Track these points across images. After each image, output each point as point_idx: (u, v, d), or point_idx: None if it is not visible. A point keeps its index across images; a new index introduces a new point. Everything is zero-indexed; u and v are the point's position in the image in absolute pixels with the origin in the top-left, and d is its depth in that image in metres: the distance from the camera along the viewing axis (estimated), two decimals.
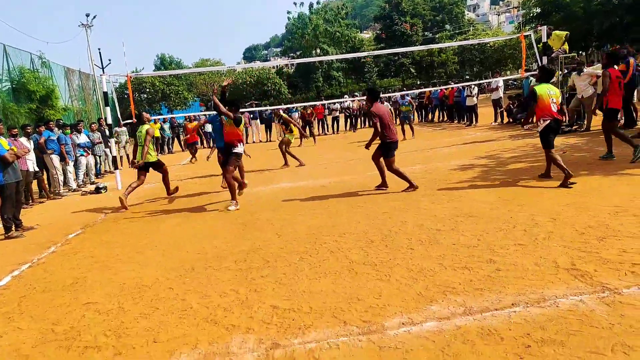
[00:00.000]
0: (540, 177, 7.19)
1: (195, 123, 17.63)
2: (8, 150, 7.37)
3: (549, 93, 6.87)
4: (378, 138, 7.46)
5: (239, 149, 7.87)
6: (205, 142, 21.94)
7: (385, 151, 7.49)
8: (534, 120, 7.13)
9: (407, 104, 17.06)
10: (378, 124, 7.28)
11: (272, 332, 3.23)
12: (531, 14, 30.73)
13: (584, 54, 32.96)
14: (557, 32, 12.44)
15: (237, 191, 7.76)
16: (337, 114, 23.70)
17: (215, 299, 3.94)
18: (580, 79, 11.97)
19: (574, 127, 12.66)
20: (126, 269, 5.11)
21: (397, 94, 21.06)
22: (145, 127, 8.95)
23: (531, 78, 15.03)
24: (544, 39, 12.49)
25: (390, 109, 7.66)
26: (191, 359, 3.01)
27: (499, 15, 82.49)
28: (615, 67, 8.30)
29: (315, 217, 6.44)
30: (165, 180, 9.35)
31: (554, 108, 6.82)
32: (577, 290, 3.31)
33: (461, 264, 4.05)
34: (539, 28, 13.38)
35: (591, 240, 4.26)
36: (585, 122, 12.40)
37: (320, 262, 4.55)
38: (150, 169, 9.15)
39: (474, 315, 3.12)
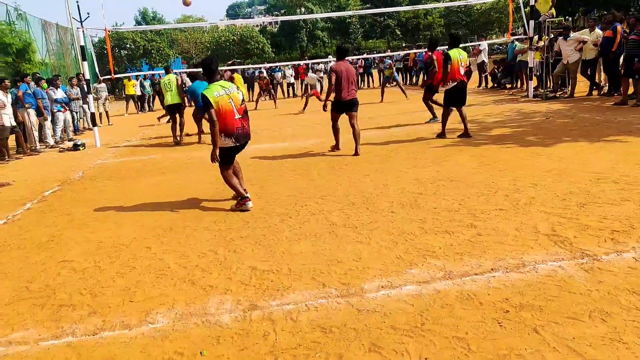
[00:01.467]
0: (437, 137, 8.35)
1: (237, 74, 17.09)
2: None
3: (459, 57, 7.92)
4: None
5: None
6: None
7: (332, 107, 7.74)
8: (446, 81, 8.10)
9: (387, 67, 16.93)
10: (333, 79, 7.41)
11: (250, 294, 3.19)
12: None
13: (570, 19, 32.74)
14: None
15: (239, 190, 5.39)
16: (322, 74, 23.36)
17: (193, 259, 3.89)
18: (567, 44, 11.89)
19: (558, 93, 12.66)
20: (103, 227, 5.00)
21: (376, 57, 20.81)
22: (173, 76, 10.68)
23: (516, 42, 14.89)
24: (532, 2, 12.29)
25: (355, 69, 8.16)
26: (167, 319, 2.97)
27: None
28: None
29: (296, 178, 6.37)
30: (181, 123, 10.77)
31: (462, 71, 7.98)
32: (556, 256, 3.33)
33: (442, 228, 4.04)
34: None
35: (572, 207, 4.28)
36: (569, 88, 12.41)
37: (300, 224, 4.51)
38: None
39: (453, 279, 3.12)
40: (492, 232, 3.86)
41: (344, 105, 7.54)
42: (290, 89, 23.58)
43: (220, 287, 3.35)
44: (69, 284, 3.64)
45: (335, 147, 8.02)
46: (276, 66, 22.17)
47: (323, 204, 5.06)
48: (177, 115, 10.65)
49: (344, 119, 7.65)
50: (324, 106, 8.03)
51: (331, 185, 5.85)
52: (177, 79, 10.63)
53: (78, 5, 24.34)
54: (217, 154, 4.98)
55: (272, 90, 18.25)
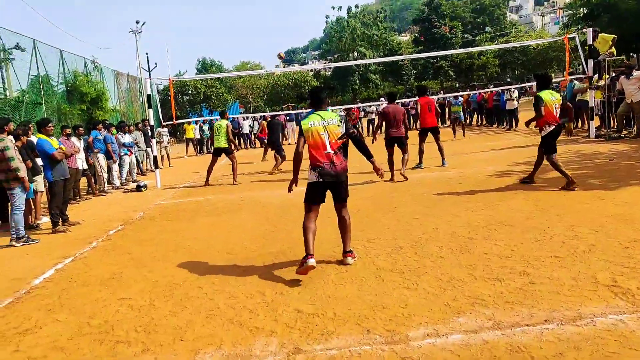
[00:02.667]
0: (522, 182, 7.70)
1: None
2: (57, 149, 7.71)
3: (552, 99, 7.34)
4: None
5: None
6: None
7: (385, 143, 9.29)
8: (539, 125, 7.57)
9: (459, 104, 17.09)
10: (382, 121, 9.45)
11: (295, 337, 3.22)
12: (577, 15, 29.60)
13: (635, 56, 31.54)
14: (604, 34, 11.95)
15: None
16: (373, 116, 23.61)
17: (241, 300, 3.98)
18: (630, 83, 11.46)
19: (622, 134, 12.13)
20: (160, 266, 5.23)
21: (450, 95, 20.81)
22: (225, 122, 11.33)
23: (575, 82, 14.50)
24: (590, 42, 12.03)
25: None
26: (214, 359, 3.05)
27: (543, 16, 79.87)
28: None
29: None
30: (233, 168, 11.30)
31: (557, 114, 7.39)
32: (617, 309, 3.15)
33: (492, 275, 3.93)
34: (584, 30, 12.87)
35: (636, 255, 4.04)
36: (635, 128, 11.86)
37: (346, 267, 4.52)
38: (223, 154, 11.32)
39: (503, 330, 3.02)
40: (546, 281, 3.71)
41: (393, 141, 9.18)
42: (370, 125, 23.82)
43: (266, 329, 3.40)
44: (126, 321, 3.82)
45: (391, 179, 9.11)
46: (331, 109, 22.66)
47: (370, 248, 5.06)
48: (223, 156, 11.47)
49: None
50: (373, 139, 10.00)
51: (379, 227, 5.84)
52: (227, 125, 11.24)
53: (147, 57, 26.20)
54: (291, 185, 4.84)
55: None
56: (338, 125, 4.56)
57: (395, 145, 9.32)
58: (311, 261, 4.28)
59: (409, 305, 3.53)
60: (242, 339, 3.29)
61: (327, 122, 4.55)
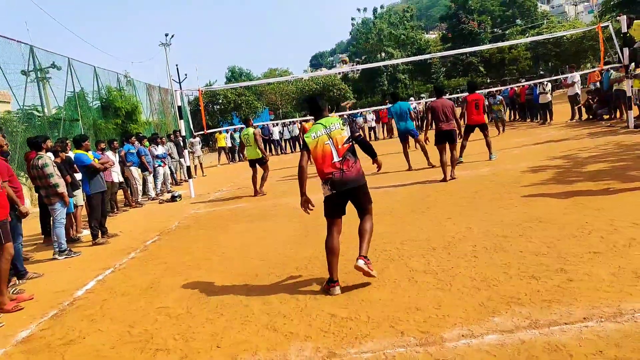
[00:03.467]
0: None
1: (310, 123, 17.43)
2: (92, 161, 8.02)
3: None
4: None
5: None
6: None
7: (435, 139, 8.99)
8: None
9: (498, 102, 16.88)
10: (430, 116, 9.19)
11: (329, 341, 3.24)
12: (611, 3, 28.71)
13: None
14: (639, 21, 11.51)
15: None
16: (374, 124, 23.52)
17: (276, 306, 4.03)
18: None
19: None
20: (195, 275, 5.34)
21: (485, 91, 20.60)
22: (251, 130, 10.64)
23: (611, 71, 14.03)
24: (624, 30, 11.62)
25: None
26: None
27: (576, 5, 77.49)
28: None
29: (376, 223, 6.32)
30: (263, 177, 10.87)
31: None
32: None
33: (528, 273, 3.85)
34: (619, 18, 12.43)
35: None
36: None
37: (380, 270, 4.50)
38: (257, 164, 10.78)
39: (540, 329, 2.95)
40: (584, 278, 3.61)
41: (443, 136, 8.87)
42: (372, 132, 23.86)
43: (300, 334, 3.43)
44: (164, 329, 3.92)
45: (443, 180, 8.83)
46: (357, 112, 22.65)
47: (403, 250, 5.04)
48: (258, 167, 10.76)
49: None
50: (425, 139, 10.56)
51: (412, 229, 5.80)
52: (254, 133, 10.51)
53: (177, 69, 26.81)
54: (304, 204, 4.41)
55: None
56: (342, 129, 4.30)
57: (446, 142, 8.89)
58: (336, 290, 4.12)
59: (443, 306, 3.50)
60: (277, 344, 3.33)
61: (329, 130, 4.28)
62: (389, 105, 12.29)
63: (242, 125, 27.53)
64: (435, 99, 9.69)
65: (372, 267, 4.13)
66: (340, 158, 4.24)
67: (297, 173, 4.42)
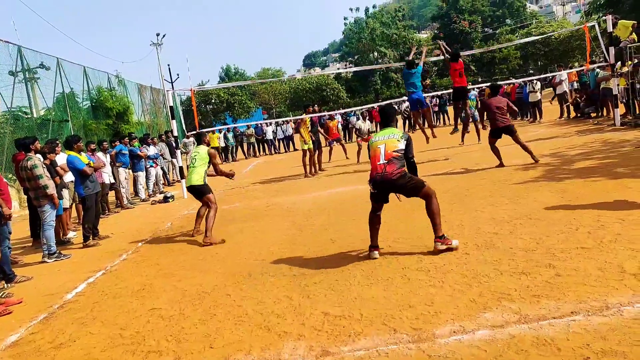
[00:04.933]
0: None
1: (335, 121, 16.66)
2: (86, 164, 7.96)
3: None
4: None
5: None
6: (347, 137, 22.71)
7: (490, 134, 9.32)
8: None
9: (472, 98, 16.59)
10: (484, 112, 10.02)
11: (323, 339, 3.26)
12: (598, 3, 28.94)
13: None
14: (624, 21, 11.67)
15: None
16: (366, 127, 23.49)
17: (269, 306, 4.04)
18: None
19: None
20: (188, 275, 5.34)
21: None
22: (205, 148, 7.32)
23: (598, 70, 14.19)
24: (610, 29, 11.76)
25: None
26: None
27: (564, 5, 78.15)
28: None
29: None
30: (207, 216, 6.99)
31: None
32: None
33: (518, 269, 3.90)
34: (605, 18, 12.59)
35: None
36: None
37: (372, 268, 4.54)
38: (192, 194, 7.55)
39: (529, 323, 3.00)
40: (572, 273, 3.66)
41: (499, 132, 9.10)
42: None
43: (294, 333, 3.45)
44: (157, 331, 3.92)
45: (500, 165, 9.12)
46: (351, 111, 22.69)
47: (395, 247, 5.07)
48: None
49: None
50: (483, 125, 11.53)
51: (405, 228, 5.84)
52: (209, 153, 7.13)
53: (169, 69, 26.71)
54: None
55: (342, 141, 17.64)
56: (397, 141, 4.87)
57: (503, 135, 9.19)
58: (374, 254, 4.84)
59: (435, 303, 3.53)
60: (270, 343, 3.35)
61: (388, 137, 4.93)
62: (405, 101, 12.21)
63: (236, 125, 27.39)
64: (490, 96, 9.84)
65: (448, 241, 4.67)
66: (386, 161, 4.81)
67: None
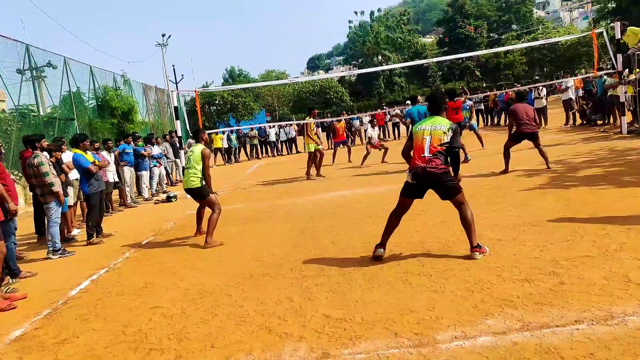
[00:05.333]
0: None
1: (342, 122, 16.58)
2: (92, 163, 8.00)
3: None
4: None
5: None
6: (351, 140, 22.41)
7: (511, 137, 9.23)
8: None
9: (467, 108, 16.31)
10: (513, 119, 9.23)
11: (324, 342, 3.26)
12: (606, 10, 28.93)
13: None
14: (633, 28, 11.62)
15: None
16: (397, 120, 23.41)
17: (270, 307, 4.04)
18: None
19: None
20: (190, 275, 5.35)
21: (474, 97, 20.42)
22: (199, 147, 7.02)
23: (605, 77, 14.15)
24: (618, 36, 11.73)
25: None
26: None
27: (571, 11, 78.04)
28: None
29: (371, 225, 6.42)
30: (210, 219, 6.79)
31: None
32: None
33: (521, 276, 3.89)
34: (613, 25, 12.57)
35: None
36: None
37: (374, 271, 4.54)
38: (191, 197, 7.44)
39: (532, 331, 2.99)
40: (576, 281, 3.65)
41: (523, 137, 9.11)
42: (396, 129, 23.66)
43: (295, 334, 3.45)
44: (158, 329, 3.92)
45: (504, 171, 9.11)
46: (355, 116, 22.69)
47: (397, 251, 5.07)
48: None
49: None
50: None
51: (406, 232, 5.83)
52: (202, 153, 6.88)
53: (174, 69, 26.79)
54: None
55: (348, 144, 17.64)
56: (444, 133, 4.66)
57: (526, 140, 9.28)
58: (378, 251, 4.85)
59: (437, 308, 3.53)
60: (271, 344, 3.35)
61: (434, 127, 4.71)
62: (409, 107, 11.95)
63: (239, 127, 27.39)
64: (517, 102, 9.79)
65: (484, 250, 4.58)
66: (430, 154, 4.65)
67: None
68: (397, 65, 40.55)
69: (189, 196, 7.60)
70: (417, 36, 61.02)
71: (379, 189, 9.27)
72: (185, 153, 14.12)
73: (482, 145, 13.57)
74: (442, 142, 4.65)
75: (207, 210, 7.11)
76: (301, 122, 13.50)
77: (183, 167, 13.00)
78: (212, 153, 23.73)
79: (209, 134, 23.19)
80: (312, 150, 12.35)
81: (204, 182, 6.91)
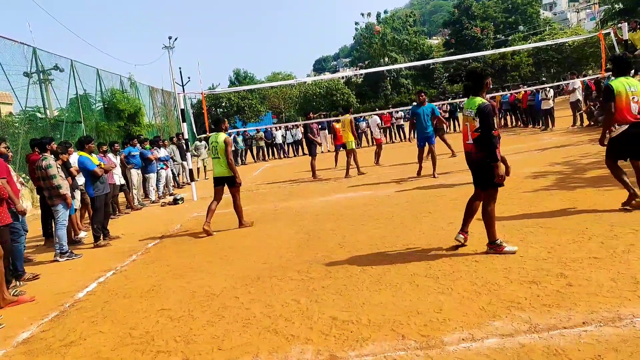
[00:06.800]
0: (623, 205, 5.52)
1: (341, 124, 16.43)
2: (97, 166, 8.04)
3: (629, 90, 5.49)
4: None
5: None
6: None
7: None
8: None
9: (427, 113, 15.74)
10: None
11: (330, 344, 3.26)
12: (613, 11, 28.77)
13: None
14: None
15: None
16: (402, 121, 23.40)
17: (277, 309, 4.05)
18: None
19: None
20: (197, 277, 5.36)
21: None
22: (222, 136, 7.62)
23: (612, 78, 14.04)
24: (625, 37, 11.66)
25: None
26: None
27: (578, 12, 77.65)
28: None
29: (378, 227, 6.42)
30: (235, 207, 7.73)
31: (635, 109, 5.39)
32: None
33: (528, 278, 3.87)
34: (619, 25, 12.50)
35: None
36: None
37: (381, 273, 4.53)
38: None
39: (539, 333, 2.97)
40: (584, 283, 3.63)
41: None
42: (401, 130, 23.63)
43: (301, 336, 3.45)
44: (165, 331, 3.94)
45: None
46: (360, 116, 22.66)
47: (404, 253, 5.06)
48: (226, 191, 7.83)
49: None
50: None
51: (413, 234, 5.82)
52: (225, 141, 7.58)
53: (181, 72, 26.93)
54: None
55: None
56: (474, 119, 4.56)
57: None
58: (459, 236, 4.92)
59: (444, 310, 3.52)
60: (278, 347, 3.35)
61: (468, 113, 4.65)
62: (413, 104, 11.52)
63: (246, 129, 27.45)
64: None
65: (502, 249, 4.55)
66: (471, 141, 4.67)
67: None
68: (403, 65, 40.55)
69: (195, 197, 7.70)
70: (423, 38, 60.95)
71: (386, 192, 9.25)
72: (192, 156, 14.23)
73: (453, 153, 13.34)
74: (475, 127, 4.56)
75: (220, 204, 7.88)
76: (340, 118, 13.59)
77: (190, 170, 13.12)
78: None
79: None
80: (353, 147, 12.55)
81: (232, 171, 7.53)
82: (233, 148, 23.44)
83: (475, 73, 4.73)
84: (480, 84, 4.65)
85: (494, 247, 4.61)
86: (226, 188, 7.81)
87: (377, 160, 14.51)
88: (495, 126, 4.54)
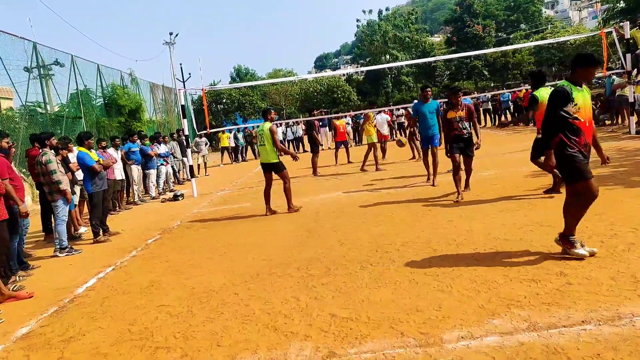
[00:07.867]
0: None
1: (343, 121, 15.78)
2: (96, 162, 8.02)
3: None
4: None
5: None
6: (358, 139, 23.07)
7: None
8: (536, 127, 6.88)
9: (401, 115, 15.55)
10: None
11: (330, 341, 3.26)
12: (615, 9, 28.69)
13: None
14: None
15: None
16: (402, 118, 23.33)
17: (277, 306, 4.04)
18: None
19: None
20: (197, 273, 5.36)
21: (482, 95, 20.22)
22: (267, 125, 8.22)
23: (614, 77, 14.04)
24: (627, 36, 11.64)
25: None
26: None
27: (580, 11, 77.41)
28: None
29: (378, 224, 6.42)
30: (285, 190, 8.31)
31: None
32: None
33: (528, 276, 3.87)
34: (622, 24, 12.47)
35: None
36: None
37: (381, 271, 4.53)
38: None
39: (539, 331, 2.97)
40: (584, 281, 3.63)
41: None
42: (401, 128, 23.62)
43: (300, 333, 3.45)
44: (164, 327, 3.94)
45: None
46: (361, 113, 22.63)
47: (404, 251, 5.05)
48: (275, 177, 8.46)
49: None
50: None
51: (413, 231, 5.82)
52: (270, 129, 8.18)
53: (181, 68, 26.86)
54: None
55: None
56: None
57: None
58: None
59: (443, 308, 3.51)
60: (277, 343, 3.35)
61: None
62: (415, 102, 10.55)
63: (246, 125, 27.40)
64: None
65: (568, 245, 4.24)
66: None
67: None
68: (405, 63, 40.34)
69: (196, 194, 7.75)
70: (425, 35, 60.74)
71: (387, 190, 9.25)
72: (192, 152, 14.21)
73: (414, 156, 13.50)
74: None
75: (273, 191, 8.42)
76: (362, 112, 13.77)
77: (190, 166, 13.11)
78: (220, 151, 23.82)
79: (214, 132, 23.25)
80: (375, 140, 12.63)
81: (280, 158, 8.24)
82: (233, 144, 23.55)
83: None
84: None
85: (565, 241, 4.27)
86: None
87: (383, 155, 14.52)
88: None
